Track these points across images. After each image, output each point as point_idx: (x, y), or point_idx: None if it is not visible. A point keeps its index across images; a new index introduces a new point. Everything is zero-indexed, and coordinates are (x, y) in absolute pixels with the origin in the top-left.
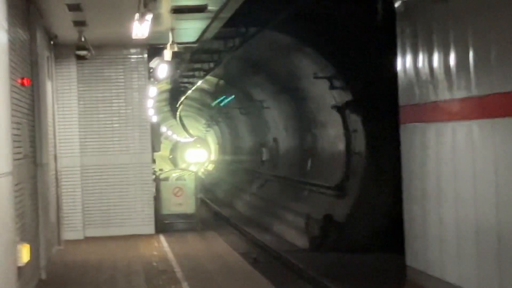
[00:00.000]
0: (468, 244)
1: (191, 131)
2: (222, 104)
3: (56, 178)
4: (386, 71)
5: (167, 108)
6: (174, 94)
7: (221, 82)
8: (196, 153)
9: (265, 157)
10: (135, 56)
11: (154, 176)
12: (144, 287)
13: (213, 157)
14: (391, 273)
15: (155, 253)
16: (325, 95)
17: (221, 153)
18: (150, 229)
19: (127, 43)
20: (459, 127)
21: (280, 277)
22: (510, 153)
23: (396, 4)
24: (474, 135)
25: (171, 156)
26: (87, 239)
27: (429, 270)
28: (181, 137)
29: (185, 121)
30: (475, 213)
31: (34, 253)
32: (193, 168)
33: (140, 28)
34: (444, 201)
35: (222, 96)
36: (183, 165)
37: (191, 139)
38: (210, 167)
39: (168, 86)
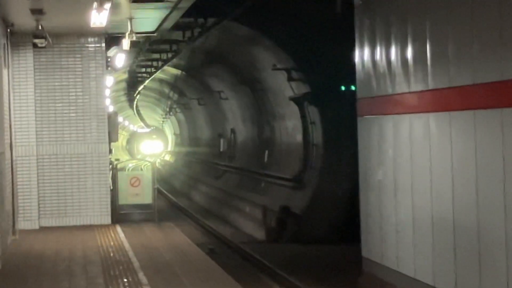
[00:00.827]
0: (424, 235)
1: (148, 121)
2: None
3: (12, 167)
4: (345, 63)
5: (124, 98)
6: (132, 84)
7: (182, 73)
8: (152, 145)
9: (222, 148)
10: (93, 45)
11: (111, 166)
12: (101, 277)
13: (170, 148)
14: (348, 264)
15: (111, 243)
16: (284, 87)
17: (178, 144)
18: (107, 220)
19: (85, 32)
20: (416, 120)
21: (236, 268)
22: (466, 145)
23: None
24: (430, 128)
25: (128, 146)
26: (43, 229)
27: (385, 262)
28: (139, 127)
29: (142, 111)
30: (431, 204)
31: None
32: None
33: (98, 17)
34: (400, 193)
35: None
36: (138, 157)
37: (148, 130)
38: (168, 157)
39: (125, 76)
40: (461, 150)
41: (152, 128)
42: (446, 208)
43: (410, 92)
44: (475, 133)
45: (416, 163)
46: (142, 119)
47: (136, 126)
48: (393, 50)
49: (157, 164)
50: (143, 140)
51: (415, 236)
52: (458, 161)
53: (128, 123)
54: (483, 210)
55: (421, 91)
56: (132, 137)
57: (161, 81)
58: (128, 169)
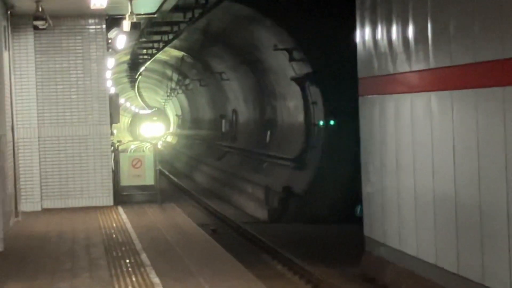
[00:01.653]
0: (426, 214)
1: (150, 103)
2: None
3: (14, 150)
4: (346, 43)
5: (126, 80)
6: (133, 65)
7: (183, 55)
8: (153, 127)
9: (224, 129)
10: (93, 27)
11: (112, 148)
12: (104, 258)
13: (172, 129)
14: (350, 244)
15: (114, 224)
16: (285, 67)
17: (180, 125)
18: (109, 201)
19: (85, 13)
20: (417, 99)
21: (238, 247)
22: (467, 124)
23: None
24: (432, 107)
25: (130, 128)
26: (45, 210)
27: (387, 241)
28: (140, 109)
29: (144, 93)
30: (432, 183)
31: None
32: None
33: None
34: (402, 172)
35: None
36: (140, 139)
37: (150, 111)
38: (169, 138)
39: (126, 57)
40: (462, 129)
41: (154, 109)
42: (448, 186)
43: (411, 71)
44: (476, 112)
45: (417, 142)
46: (144, 100)
47: (138, 107)
48: (394, 29)
49: (159, 146)
50: (144, 122)
51: (417, 215)
52: (460, 140)
53: (130, 104)
54: (485, 188)
55: (423, 70)
56: (134, 118)
57: (162, 62)
58: (130, 151)
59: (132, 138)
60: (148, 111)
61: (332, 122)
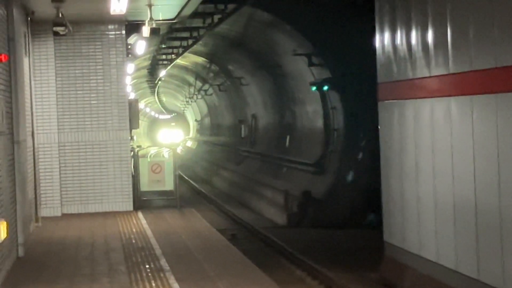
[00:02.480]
0: (446, 220)
1: (169, 108)
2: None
3: (34, 155)
4: (365, 48)
5: (145, 85)
6: (153, 71)
7: (203, 60)
8: (171, 133)
9: (244, 134)
10: (113, 33)
11: (132, 153)
12: (123, 264)
13: (191, 134)
14: (369, 249)
15: (133, 230)
16: (304, 72)
17: (199, 130)
18: (128, 206)
19: (105, 19)
20: (437, 104)
21: (258, 253)
22: (487, 129)
23: None
24: (452, 112)
25: (148, 133)
26: (65, 216)
27: (406, 246)
28: (160, 114)
29: (163, 98)
30: (452, 188)
31: (12, 230)
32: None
33: (118, 4)
34: (422, 177)
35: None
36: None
37: (169, 116)
38: (189, 143)
39: (146, 63)
40: (482, 134)
41: (173, 114)
42: (468, 192)
43: (431, 76)
44: (496, 117)
45: (437, 147)
46: (163, 106)
47: (157, 112)
48: (413, 34)
49: (178, 151)
50: (162, 128)
51: (437, 221)
52: (480, 145)
53: (149, 110)
54: (505, 193)
55: (442, 75)
56: (152, 124)
57: (182, 68)
58: (150, 156)
59: (151, 143)
60: (167, 116)
61: (351, 127)
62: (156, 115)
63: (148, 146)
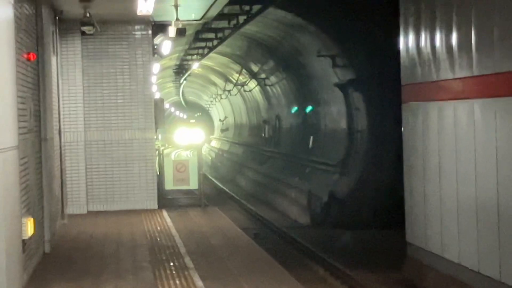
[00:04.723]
0: (468, 221)
1: (194, 108)
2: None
3: (60, 153)
4: (390, 49)
5: (171, 84)
6: (178, 70)
7: (227, 60)
8: (189, 133)
9: (267, 134)
10: (140, 33)
11: (157, 152)
12: (148, 261)
13: (215, 134)
14: (392, 249)
15: (158, 227)
16: (328, 73)
17: (224, 130)
18: (153, 204)
19: (131, 19)
20: (460, 106)
21: (281, 252)
22: (509, 130)
23: None
24: (475, 114)
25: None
26: (90, 213)
27: (429, 247)
28: (183, 113)
29: (188, 98)
30: (475, 190)
31: (39, 226)
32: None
33: (145, 4)
34: (445, 179)
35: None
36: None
37: (195, 115)
38: (214, 143)
39: (171, 63)
40: (506, 137)
41: (197, 114)
42: (491, 194)
43: (454, 79)
44: None
45: (460, 150)
46: (188, 105)
47: (181, 112)
48: (437, 36)
49: (203, 151)
50: (179, 127)
51: (460, 222)
52: (503, 148)
53: (174, 109)
54: None
55: (466, 77)
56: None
57: (206, 68)
58: (175, 155)
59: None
60: (191, 116)
61: (374, 128)
62: (181, 115)
63: (173, 146)
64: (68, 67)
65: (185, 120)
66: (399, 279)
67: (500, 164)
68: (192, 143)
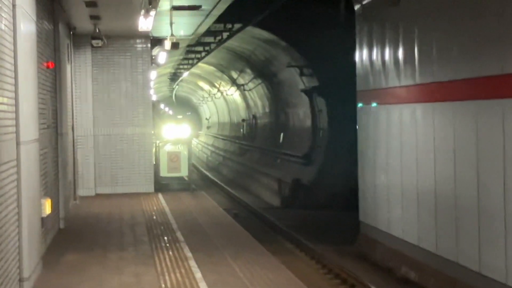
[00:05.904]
0: (410, 204)
1: (184, 108)
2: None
3: (73, 145)
4: (347, 61)
5: (165, 89)
6: (173, 77)
7: (213, 69)
8: (176, 129)
9: (246, 131)
10: (140, 45)
11: (154, 145)
12: (146, 235)
13: (202, 130)
14: (347, 226)
15: (154, 208)
16: (296, 81)
17: (209, 127)
18: (150, 188)
19: (133, 35)
20: (405, 109)
21: (256, 228)
22: (446, 131)
23: (356, 7)
24: (417, 116)
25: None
26: (98, 195)
27: (378, 225)
28: (177, 113)
29: (180, 100)
30: (416, 179)
31: (55, 206)
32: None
33: (145, 22)
34: (391, 169)
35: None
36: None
37: (183, 115)
38: (202, 138)
39: (167, 71)
40: (442, 135)
41: (188, 113)
42: (429, 182)
43: (400, 86)
44: (454, 121)
45: (404, 145)
46: (179, 106)
47: (174, 112)
48: (387, 51)
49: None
50: (167, 123)
51: (403, 205)
52: (440, 144)
53: (168, 109)
54: (460, 183)
55: (410, 85)
56: (162, 119)
57: (196, 75)
58: (169, 147)
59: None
60: (180, 116)
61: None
62: (173, 114)
63: (167, 140)
64: (80, 74)
65: (173, 116)
66: (353, 251)
67: (437, 158)
68: (179, 138)
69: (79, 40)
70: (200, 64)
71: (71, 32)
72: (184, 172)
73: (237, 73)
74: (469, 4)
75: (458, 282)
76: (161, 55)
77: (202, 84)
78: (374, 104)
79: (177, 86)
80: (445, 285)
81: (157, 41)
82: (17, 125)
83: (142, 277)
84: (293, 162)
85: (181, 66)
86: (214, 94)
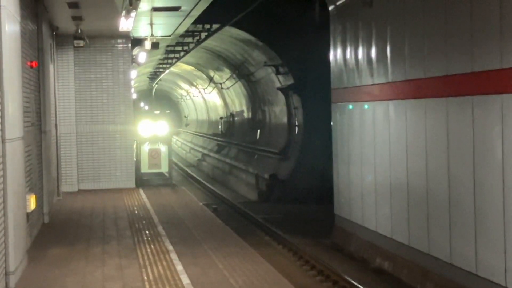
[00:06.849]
0: (384, 198)
1: (164, 106)
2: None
3: (57, 142)
4: (322, 60)
5: (145, 87)
6: (152, 76)
7: (191, 68)
8: (153, 126)
9: (224, 128)
10: (121, 45)
11: (135, 141)
12: (128, 229)
13: (181, 128)
14: (323, 219)
15: (136, 203)
16: (272, 79)
17: (188, 124)
18: (132, 184)
19: (115, 35)
20: (378, 106)
21: (235, 222)
22: (418, 126)
23: (330, 8)
24: (390, 112)
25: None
26: (81, 191)
27: (352, 218)
28: (155, 111)
29: (160, 98)
30: (389, 173)
31: (39, 201)
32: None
33: (126, 23)
34: (365, 164)
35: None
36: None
37: (159, 112)
38: (181, 135)
39: (147, 70)
40: (413, 130)
41: (167, 112)
42: (401, 177)
43: (373, 84)
44: (425, 117)
45: (378, 140)
46: (159, 104)
47: (154, 110)
48: (360, 50)
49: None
50: (143, 119)
51: (377, 198)
52: (412, 139)
53: (148, 107)
54: (431, 178)
55: (383, 83)
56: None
57: (175, 74)
58: (150, 144)
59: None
60: (157, 111)
61: (309, 123)
62: (152, 111)
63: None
64: (63, 73)
65: (149, 112)
66: (328, 243)
67: (409, 153)
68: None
69: (62, 40)
70: (179, 63)
71: (54, 33)
72: (164, 168)
73: (215, 72)
74: (440, 5)
75: (430, 272)
76: (141, 55)
77: (181, 83)
78: (348, 102)
79: (156, 85)
80: (417, 275)
81: (137, 41)
82: (2, 123)
83: (125, 270)
84: (270, 158)
85: (160, 66)
86: (193, 93)
